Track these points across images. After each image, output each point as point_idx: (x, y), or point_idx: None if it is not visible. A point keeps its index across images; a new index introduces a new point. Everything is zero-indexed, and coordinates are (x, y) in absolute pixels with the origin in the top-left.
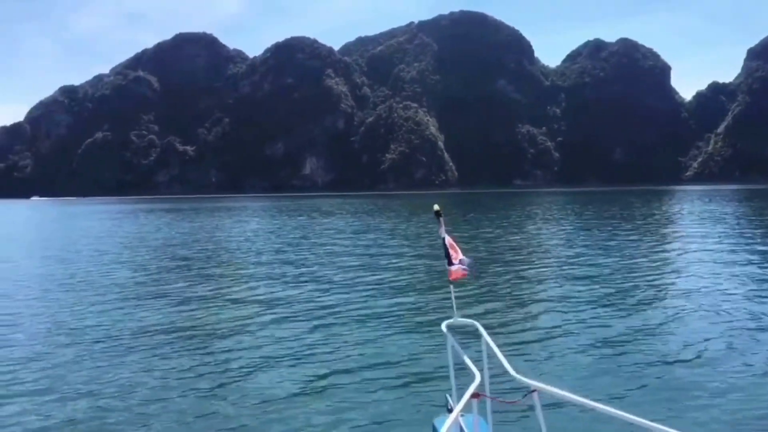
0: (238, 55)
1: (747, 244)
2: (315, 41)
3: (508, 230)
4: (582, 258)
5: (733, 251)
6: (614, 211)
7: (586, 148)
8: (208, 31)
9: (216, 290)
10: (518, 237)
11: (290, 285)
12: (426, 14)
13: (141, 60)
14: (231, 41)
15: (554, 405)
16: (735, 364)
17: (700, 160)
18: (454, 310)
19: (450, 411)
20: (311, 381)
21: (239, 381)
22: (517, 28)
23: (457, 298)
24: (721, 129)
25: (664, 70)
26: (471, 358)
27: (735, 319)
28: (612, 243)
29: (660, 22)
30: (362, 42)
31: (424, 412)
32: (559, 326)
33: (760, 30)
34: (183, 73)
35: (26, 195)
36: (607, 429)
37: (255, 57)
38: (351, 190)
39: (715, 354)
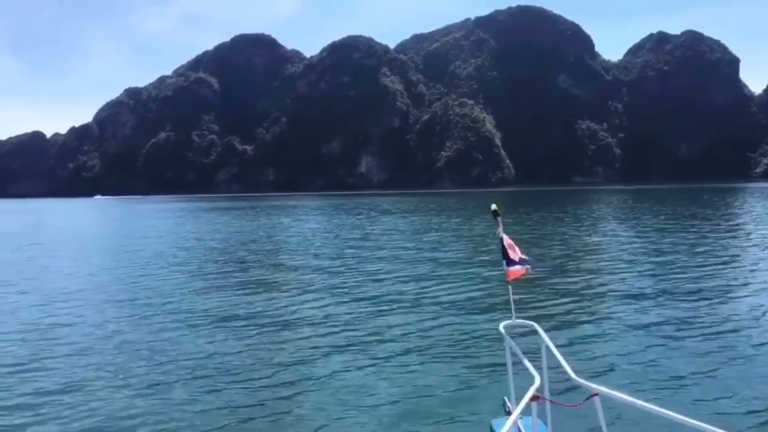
0: (296, 55)
1: None
2: (371, 39)
3: (569, 229)
4: (649, 259)
5: None
6: (681, 210)
7: (649, 144)
8: (266, 32)
9: (279, 287)
10: (580, 236)
11: (350, 285)
12: (482, 10)
13: (201, 61)
14: (288, 41)
15: (617, 410)
16: None
17: None
18: (513, 311)
19: (508, 413)
20: (369, 382)
21: (299, 376)
22: (576, 21)
23: (515, 299)
24: None
25: (732, 63)
26: (529, 360)
27: None
28: (683, 243)
29: (728, 12)
30: (417, 39)
31: (482, 414)
32: (622, 328)
33: None
34: (242, 73)
35: (91, 194)
36: None
37: (312, 57)
38: (406, 188)
39: None
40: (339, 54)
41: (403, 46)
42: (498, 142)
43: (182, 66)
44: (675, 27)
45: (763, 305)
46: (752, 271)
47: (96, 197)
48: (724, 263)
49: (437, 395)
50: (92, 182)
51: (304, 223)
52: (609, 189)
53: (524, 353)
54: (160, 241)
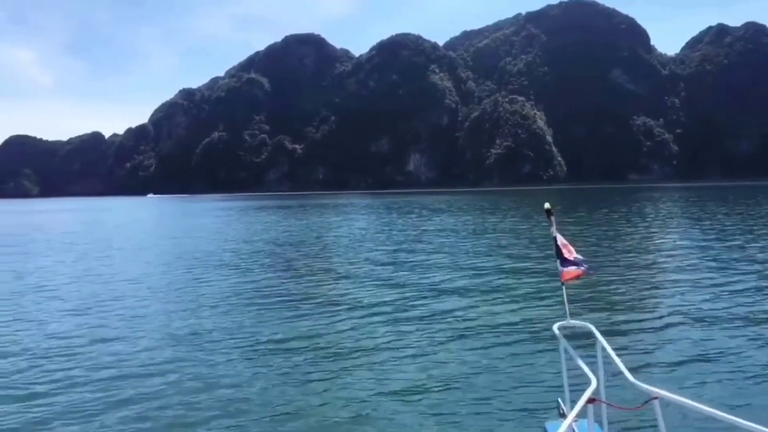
0: (345, 55)
1: None
2: (419, 37)
3: (625, 228)
4: (711, 261)
5: None
6: (747, 209)
7: (708, 140)
8: (316, 32)
9: (328, 289)
10: (637, 235)
11: (402, 284)
12: (533, 5)
13: (253, 62)
14: (338, 41)
15: (677, 414)
16: None
17: None
18: (567, 312)
19: (562, 416)
20: (421, 381)
21: (346, 379)
22: (631, 15)
23: (570, 300)
24: None
25: None
26: (585, 362)
27: None
28: (753, 245)
29: None
30: (467, 36)
31: (536, 417)
32: (682, 330)
33: None
34: (292, 73)
35: (143, 193)
36: None
37: (361, 56)
38: (454, 186)
39: None
40: (387, 52)
41: (452, 43)
42: (549, 138)
43: (234, 67)
44: (735, 19)
45: None
46: None
47: (148, 196)
48: None
49: (490, 396)
50: (147, 181)
51: (354, 222)
52: (667, 186)
53: (579, 355)
54: (229, 237)
